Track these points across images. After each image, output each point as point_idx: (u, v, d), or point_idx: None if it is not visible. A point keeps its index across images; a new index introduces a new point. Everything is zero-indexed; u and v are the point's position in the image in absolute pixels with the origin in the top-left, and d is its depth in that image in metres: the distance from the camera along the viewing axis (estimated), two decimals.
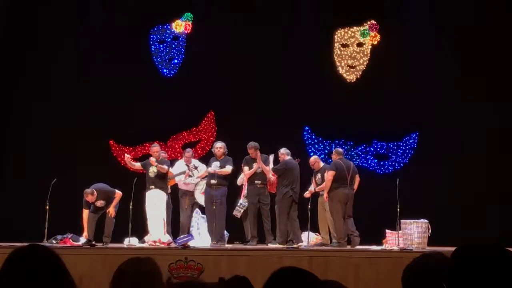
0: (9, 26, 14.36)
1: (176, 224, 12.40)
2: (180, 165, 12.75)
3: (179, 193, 12.62)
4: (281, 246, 11.51)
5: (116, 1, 14.61)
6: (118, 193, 11.86)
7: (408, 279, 2.87)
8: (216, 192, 11.89)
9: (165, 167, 11.83)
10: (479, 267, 2.31)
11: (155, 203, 11.74)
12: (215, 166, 11.96)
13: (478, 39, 14.01)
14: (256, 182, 12.11)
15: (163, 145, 14.26)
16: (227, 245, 11.77)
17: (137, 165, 12.08)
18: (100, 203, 11.82)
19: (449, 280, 2.36)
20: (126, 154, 12.51)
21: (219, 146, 12.12)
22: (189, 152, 12.86)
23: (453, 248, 2.56)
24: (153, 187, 11.81)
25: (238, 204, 12.31)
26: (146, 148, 14.01)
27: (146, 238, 11.80)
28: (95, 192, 11.75)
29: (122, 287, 2.98)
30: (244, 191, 12.37)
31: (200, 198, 12.47)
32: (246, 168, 12.12)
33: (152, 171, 11.84)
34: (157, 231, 11.62)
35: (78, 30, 14.31)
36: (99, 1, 14.54)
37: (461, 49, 14.03)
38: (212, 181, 11.93)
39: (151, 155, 12.07)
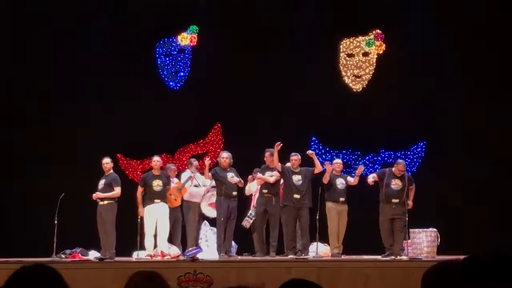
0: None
1: (183, 237, 12.35)
2: (186, 175, 12.70)
3: (184, 205, 12.49)
4: (289, 257, 11.45)
5: (121, 15, 14.64)
6: (117, 192, 11.76)
7: (429, 282, 2.86)
8: (234, 204, 11.86)
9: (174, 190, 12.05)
10: (489, 276, 2.30)
11: (163, 217, 11.70)
12: (230, 177, 11.89)
13: (486, 46, 13.98)
14: (263, 191, 12.05)
15: (170, 157, 14.27)
16: (236, 257, 11.73)
17: (140, 192, 11.98)
18: (106, 164, 11.82)
19: None
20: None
21: (225, 156, 12.05)
22: (195, 161, 12.84)
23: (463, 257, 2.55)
24: (159, 200, 11.77)
25: (248, 215, 12.27)
26: None
27: (147, 252, 11.66)
28: (111, 164, 11.86)
29: None
30: (254, 201, 12.33)
31: (207, 210, 12.42)
32: (259, 174, 12.06)
33: (157, 184, 11.80)
34: (163, 244, 11.62)
35: (85, 43, 14.35)
36: (103, 15, 14.57)
37: (468, 57, 14.01)
38: (234, 193, 11.87)
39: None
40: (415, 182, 11.90)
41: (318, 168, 11.95)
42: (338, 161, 12.54)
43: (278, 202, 11.97)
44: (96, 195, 11.68)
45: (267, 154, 12.11)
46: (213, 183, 12.21)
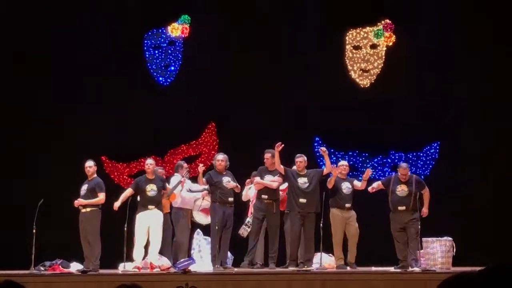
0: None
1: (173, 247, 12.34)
2: (176, 180, 12.65)
3: (174, 212, 12.42)
4: (290, 269, 11.45)
5: (107, 7, 14.63)
6: (101, 198, 11.72)
7: None
8: (230, 211, 11.85)
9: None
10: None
11: (156, 225, 11.67)
12: (226, 181, 11.87)
13: (501, 39, 14.02)
14: (263, 197, 12.02)
15: (160, 160, 14.26)
16: (232, 269, 11.72)
17: (129, 193, 11.88)
18: (89, 168, 11.78)
19: None
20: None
21: (221, 159, 12.00)
22: (185, 163, 12.82)
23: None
24: (153, 206, 11.73)
25: (246, 222, 12.25)
26: (142, 164, 13.97)
27: (134, 264, 11.65)
28: (94, 168, 11.81)
29: None
30: (251, 208, 12.33)
31: (198, 217, 12.41)
32: (258, 179, 12.00)
33: (151, 189, 11.76)
34: (154, 255, 11.60)
35: (68, 39, 14.36)
36: (89, 9, 14.56)
37: (485, 50, 14.03)
38: (230, 199, 11.84)
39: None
40: (428, 186, 11.84)
41: (328, 168, 11.94)
42: (343, 163, 12.50)
43: (278, 208, 11.97)
44: (78, 201, 11.66)
45: (267, 155, 12.07)
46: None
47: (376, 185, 11.94)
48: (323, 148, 12.16)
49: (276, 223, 11.95)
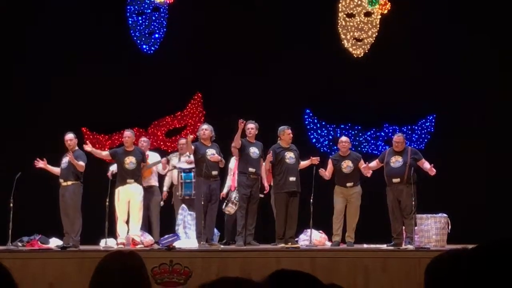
0: None
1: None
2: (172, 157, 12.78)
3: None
4: (280, 246, 11.50)
5: None
6: (82, 165, 11.71)
7: (434, 272, 2.87)
8: (215, 185, 11.88)
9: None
10: (501, 267, 2.31)
11: (136, 199, 11.72)
12: (210, 154, 11.85)
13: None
14: (250, 170, 12.00)
15: (143, 132, 14.23)
16: (218, 246, 11.76)
17: (104, 153, 12.05)
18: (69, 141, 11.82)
19: (466, 281, 2.36)
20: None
21: (205, 128, 12.03)
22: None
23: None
24: (132, 180, 11.77)
25: (232, 199, 12.22)
26: None
27: (119, 240, 11.72)
28: (75, 141, 11.84)
29: (104, 285, 3.01)
30: (235, 182, 12.33)
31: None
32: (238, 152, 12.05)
33: (130, 161, 11.79)
34: (135, 231, 11.67)
35: (45, 4, 14.26)
36: None
37: (488, 18, 13.99)
38: (214, 173, 11.87)
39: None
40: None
41: (301, 165, 12.04)
42: (343, 139, 12.41)
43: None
44: (43, 162, 11.80)
45: (251, 126, 12.07)
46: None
47: (375, 163, 11.92)
48: (316, 159, 12.07)
49: (257, 199, 11.99)
